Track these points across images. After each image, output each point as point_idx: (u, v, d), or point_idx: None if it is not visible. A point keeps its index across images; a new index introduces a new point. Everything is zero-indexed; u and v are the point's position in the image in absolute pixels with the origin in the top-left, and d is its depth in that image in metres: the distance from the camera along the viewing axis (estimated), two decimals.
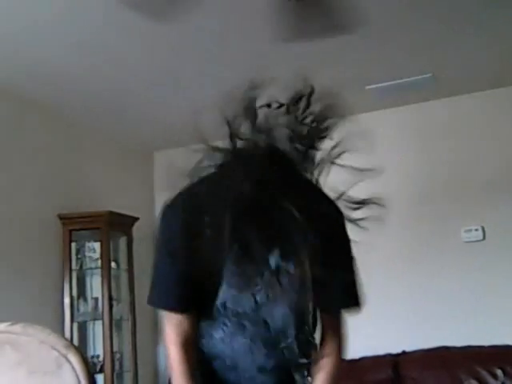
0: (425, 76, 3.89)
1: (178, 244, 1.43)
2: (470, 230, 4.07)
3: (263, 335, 1.50)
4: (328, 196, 1.47)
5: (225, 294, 1.45)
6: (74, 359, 1.27)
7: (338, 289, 1.51)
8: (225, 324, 1.48)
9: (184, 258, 1.41)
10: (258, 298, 1.46)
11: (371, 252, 4.26)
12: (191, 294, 1.44)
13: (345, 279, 1.53)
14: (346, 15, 2.95)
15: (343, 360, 1.66)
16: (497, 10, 3.15)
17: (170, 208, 1.49)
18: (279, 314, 1.50)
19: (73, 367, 1.26)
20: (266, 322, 1.50)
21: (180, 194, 1.46)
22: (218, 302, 1.46)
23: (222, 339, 1.50)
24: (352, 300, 1.60)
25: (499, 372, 3.53)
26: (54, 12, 2.89)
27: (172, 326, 1.47)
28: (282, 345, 1.53)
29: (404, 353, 3.90)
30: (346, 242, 1.56)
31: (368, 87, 4.03)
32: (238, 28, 3.17)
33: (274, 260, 1.40)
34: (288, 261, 1.41)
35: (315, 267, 1.39)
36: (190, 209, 1.42)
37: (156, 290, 1.51)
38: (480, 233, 4.05)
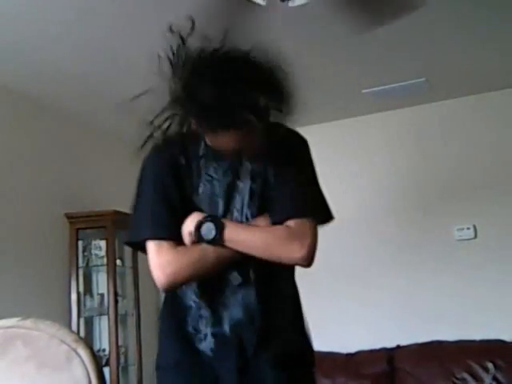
0: (419, 80, 3.89)
1: (161, 177, 1.50)
2: (462, 229, 4.07)
3: None
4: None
5: None
6: (84, 353, 1.26)
7: (284, 200, 1.48)
8: None
9: (169, 186, 1.48)
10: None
11: (368, 250, 4.27)
12: (178, 222, 1.45)
13: (292, 192, 1.49)
14: (338, 22, 2.96)
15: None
16: (489, 15, 3.14)
17: (147, 157, 1.59)
18: None
19: (82, 361, 1.26)
20: None
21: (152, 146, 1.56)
22: None
23: None
24: (299, 209, 1.48)
25: (490, 365, 3.54)
26: (56, 12, 2.86)
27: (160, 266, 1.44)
28: None
29: (399, 347, 3.90)
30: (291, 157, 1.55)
31: (364, 91, 4.03)
32: (236, 32, 3.15)
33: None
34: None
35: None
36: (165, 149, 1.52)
37: (142, 222, 1.50)
38: (472, 231, 4.06)
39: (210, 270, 1.44)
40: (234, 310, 1.46)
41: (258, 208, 1.48)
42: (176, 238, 1.45)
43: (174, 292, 1.53)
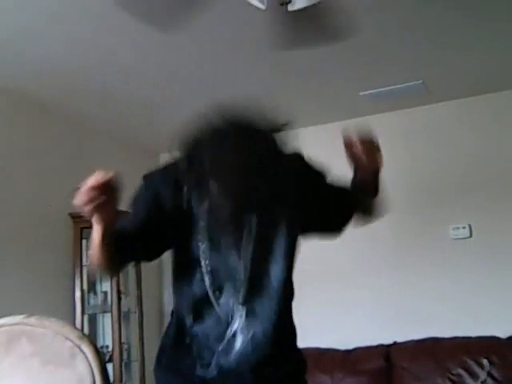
0: (416, 83, 3.90)
1: (159, 189, 1.48)
2: (458, 228, 4.07)
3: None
4: (285, 153, 1.47)
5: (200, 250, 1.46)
6: (88, 349, 1.27)
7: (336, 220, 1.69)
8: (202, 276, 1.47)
9: (166, 196, 1.47)
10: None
11: (365, 249, 4.27)
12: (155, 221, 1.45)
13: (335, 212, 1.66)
14: (338, 26, 2.95)
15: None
16: (484, 19, 3.14)
17: (146, 176, 1.57)
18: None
19: (86, 357, 1.26)
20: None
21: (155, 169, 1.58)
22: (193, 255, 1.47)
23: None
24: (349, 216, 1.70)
25: (485, 361, 3.54)
26: (60, 11, 2.85)
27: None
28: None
29: (395, 343, 3.90)
30: (318, 180, 1.65)
31: (362, 93, 4.03)
32: (237, 36, 3.15)
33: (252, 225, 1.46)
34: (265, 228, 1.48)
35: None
36: (167, 171, 1.52)
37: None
38: (467, 230, 4.06)
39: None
40: (239, 342, 1.46)
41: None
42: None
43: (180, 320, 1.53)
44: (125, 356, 4.09)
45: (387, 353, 3.83)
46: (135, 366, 4.15)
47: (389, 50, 3.43)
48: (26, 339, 1.34)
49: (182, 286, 1.53)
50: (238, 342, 1.45)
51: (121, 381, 3.94)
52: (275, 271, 1.48)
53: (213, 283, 1.46)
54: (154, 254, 1.53)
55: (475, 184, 4.09)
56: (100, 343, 4.08)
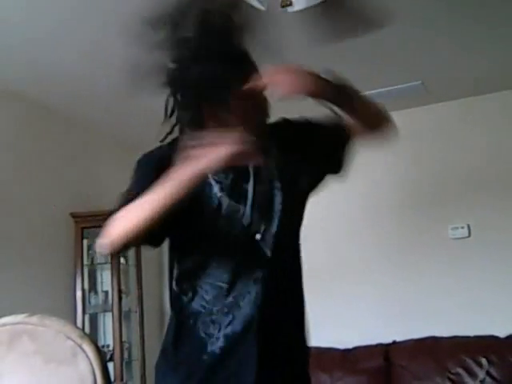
0: (415, 83, 3.90)
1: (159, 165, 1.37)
2: (457, 228, 4.08)
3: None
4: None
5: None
6: (89, 348, 1.27)
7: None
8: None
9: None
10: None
11: (364, 248, 4.28)
12: None
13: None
14: (339, 26, 2.95)
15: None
16: (484, 18, 3.14)
17: (140, 159, 1.55)
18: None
19: (87, 356, 1.26)
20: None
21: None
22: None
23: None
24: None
25: (484, 361, 3.54)
26: (63, 15, 2.86)
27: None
28: None
29: (395, 342, 3.90)
30: (306, 130, 1.60)
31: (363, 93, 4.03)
32: None
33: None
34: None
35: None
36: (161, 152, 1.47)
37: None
38: (466, 230, 4.06)
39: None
40: (245, 309, 1.42)
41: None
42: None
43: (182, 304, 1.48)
44: (125, 355, 4.09)
45: (386, 352, 3.83)
46: (136, 365, 4.15)
47: (388, 50, 3.44)
48: (27, 338, 1.34)
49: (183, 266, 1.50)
50: (242, 307, 1.41)
51: (121, 379, 3.94)
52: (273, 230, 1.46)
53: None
54: (164, 236, 1.47)
55: (474, 184, 4.09)
56: (101, 342, 4.08)
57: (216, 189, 1.44)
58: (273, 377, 1.43)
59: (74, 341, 1.28)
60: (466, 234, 4.06)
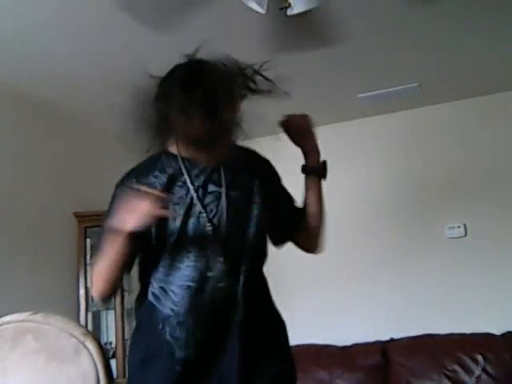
0: (412, 85, 3.90)
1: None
2: (453, 227, 4.08)
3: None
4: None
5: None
6: (91, 346, 1.27)
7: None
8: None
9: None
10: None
11: (362, 247, 4.28)
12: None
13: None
14: (334, 29, 2.96)
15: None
16: (480, 22, 3.14)
17: (118, 184, 1.69)
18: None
19: (90, 353, 1.27)
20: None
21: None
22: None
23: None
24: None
25: (480, 358, 3.54)
26: (64, 12, 2.83)
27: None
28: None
29: (392, 340, 3.90)
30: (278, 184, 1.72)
31: (359, 95, 4.03)
32: (232, 37, 3.13)
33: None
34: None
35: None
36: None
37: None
38: (462, 230, 4.06)
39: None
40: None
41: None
42: None
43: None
44: (128, 352, 4.08)
45: (384, 349, 3.84)
46: None
47: (385, 52, 3.44)
48: (31, 336, 1.35)
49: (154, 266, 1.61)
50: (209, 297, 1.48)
51: (124, 376, 3.95)
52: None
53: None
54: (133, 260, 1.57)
55: (470, 184, 4.10)
56: (104, 340, 4.08)
57: (191, 189, 1.47)
58: (253, 369, 1.49)
59: (77, 338, 1.29)
60: (463, 234, 4.06)
